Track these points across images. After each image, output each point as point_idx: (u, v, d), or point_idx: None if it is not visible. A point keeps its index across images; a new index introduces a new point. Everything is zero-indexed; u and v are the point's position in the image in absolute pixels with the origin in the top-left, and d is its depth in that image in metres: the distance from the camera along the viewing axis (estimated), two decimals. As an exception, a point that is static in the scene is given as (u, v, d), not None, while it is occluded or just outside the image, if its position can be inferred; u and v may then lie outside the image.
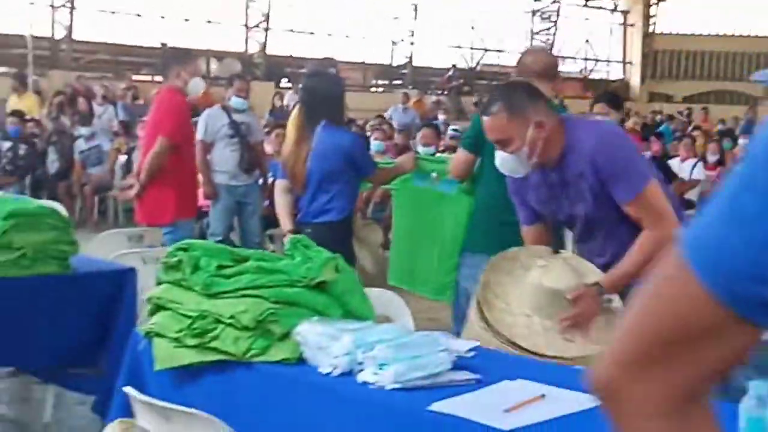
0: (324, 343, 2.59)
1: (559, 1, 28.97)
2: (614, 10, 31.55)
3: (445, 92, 24.42)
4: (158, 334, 2.85)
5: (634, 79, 31.01)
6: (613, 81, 29.19)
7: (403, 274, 5.02)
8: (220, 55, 22.75)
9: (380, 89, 25.58)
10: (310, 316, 2.73)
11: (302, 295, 2.76)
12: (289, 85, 21.74)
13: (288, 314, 2.70)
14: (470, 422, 2.20)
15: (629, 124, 13.03)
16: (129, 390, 2.32)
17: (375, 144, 9.66)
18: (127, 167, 11.73)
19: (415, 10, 25.91)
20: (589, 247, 3.29)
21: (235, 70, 22.33)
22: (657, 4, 31.39)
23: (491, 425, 2.17)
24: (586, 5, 30.75)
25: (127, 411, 2.89)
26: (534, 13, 29.13)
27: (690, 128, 16.26)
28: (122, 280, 3.96)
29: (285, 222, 4.67)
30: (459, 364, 2.58)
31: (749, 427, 1.83)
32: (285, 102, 16.87)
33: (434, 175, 5.13)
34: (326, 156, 4.54)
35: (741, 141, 13.87)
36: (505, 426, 2.16)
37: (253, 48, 23.46)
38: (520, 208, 3.35)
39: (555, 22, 29.25)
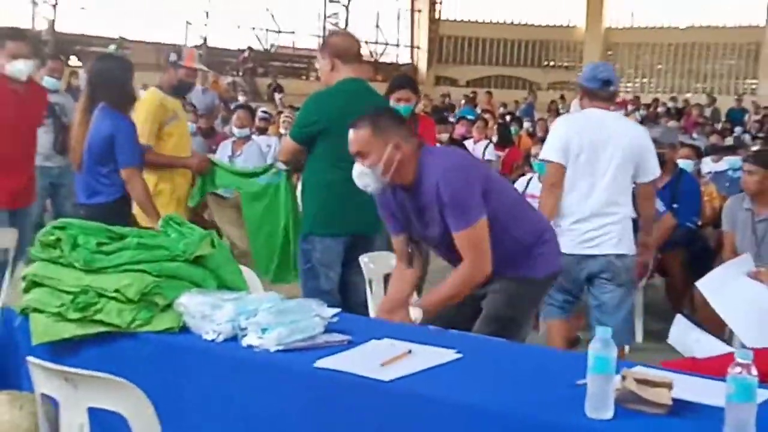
0: (207, 312, 2.80)
1: (350, -15, 29.54)
2: (402, -5, 32.49)
3: (240, 73, 24.40)
4: (36, 310, 2.95)
5: (422, 63, 32.12)
6: (402, 65, 30.09)
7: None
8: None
9: (173, 69, 25.17)
10: (189, 288, 2.92)
11: (182, 269, 2.94)
12: (79, 64, 21.01)
13: (170, 287, 2.89)
14: (355, 375, 2.47)
15: (420, 107, 13.59)
16: (31, 359, 2.43)
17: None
18: None
19: (209, -10, 25.72)
20: (454, 264, 3.55)
21: (20, 47, 21.45)
22: (441, -9, 32.60)
23: (374, 377, 2.46)
24: (375, -10, 31.50)
25: (1, 385, 2.99)
26: (326, -4, 29.58)
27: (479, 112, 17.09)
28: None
29: None
30: (329, 328, 2.86)
31: (596, 365, 2.20)
32: (81, 82, 16.35)
33: (236, 193, 5.52)
34: (93, 139, 4.76)
35: (525, 124, 14.80)
36: (385, 377, 2.45)
37: (41, 25, 22.53)
38: (387, 219, 3.62)
39: (346, 6, 29.81)
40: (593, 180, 4.47)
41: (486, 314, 3.49)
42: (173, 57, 5.38)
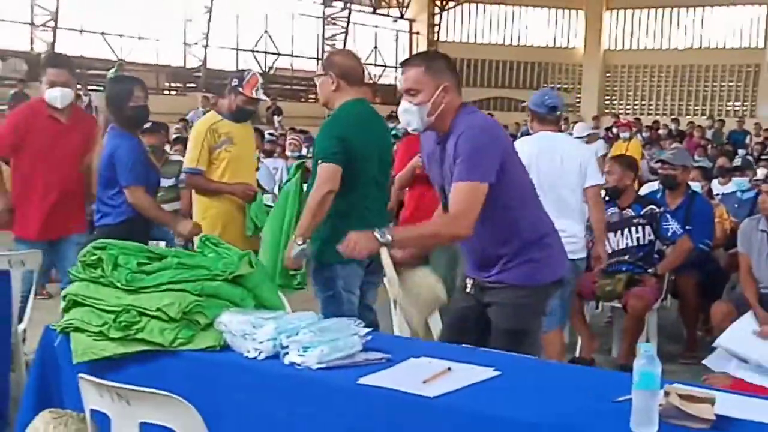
0: (248, 330, 2.84)
1: (349, 8, 29.70)
2: (401, 17, 32.66)
3: (239, 95, 24.42)
4: (77, 329, 2.99)
5: (420, 85, 32.15)
6: (401, 87, 30.16)
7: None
8: (5, 55, 21.82)
9: (173, 92, 25.32)
10: (229, 307, 2.97)
11: (222, 288, 2.99)
12: (79, 86, 21.07)
13: (210, 306, 2.94)
14: (399, 392, 2.52)
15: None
16: (83, 376, 2.47)
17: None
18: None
19: (209, 12, 25.84)
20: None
21: (21, 70, 21.55)
22: (440, 13, 32.77)
23: (418, 393, 2.50)
24: (374, 12, 31.69)
25: (41, 403, 3.03)
26: (325, 18, 29.74)
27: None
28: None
29: None
30: (367, 346, 2.90)
31: (641, 380, 2.25)
32: (94, 103, 16.44)
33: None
34: (101, 162, 4.87)
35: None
36: (430, 393, 2.50)
37: (40, 47, 22.61)
38: (440, 195, 3.63)
39: (345, 28, 29.99)
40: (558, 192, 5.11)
41: (496, 328, 3.51)
42: (234, 82, 5.34)
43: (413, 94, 3.39)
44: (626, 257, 6.16)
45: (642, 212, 6.18)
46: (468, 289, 3.62)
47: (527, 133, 5.98)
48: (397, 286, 3.65)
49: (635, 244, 6.15)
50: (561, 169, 5.21)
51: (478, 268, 3.57)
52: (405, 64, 3.46)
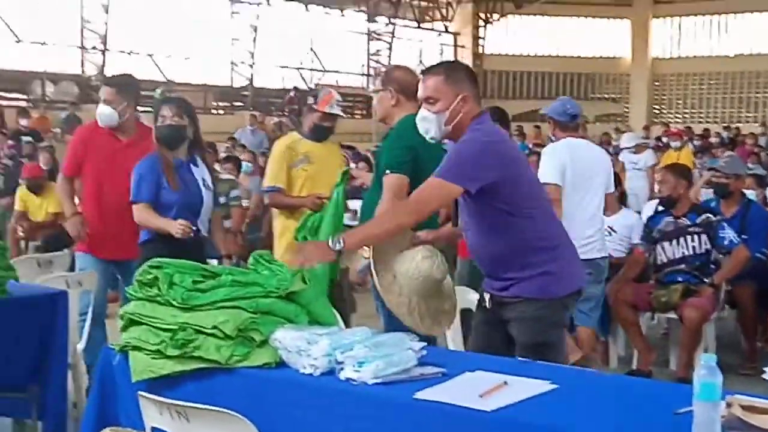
0: (303, 347, 2.85)
1: (393, 23, 29.79)
2: (445, 31, 32.68)
3: (286, 113, 24.65)
4: (135, 347, 3.02)
5: (466, 99, 32.12)
6: (447, 101, 30.13)
7: None
8: (56, 78, 22.21)
9: (221, 111, 25.57)
10: (283, 324, 2.98)
11: (276, 305, 3.01)
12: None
13: (265, 322, 2.95)
14: (456, 406, 2.51)
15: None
16: (143, 394, 2.50)
17: (245, 165, 9.91)
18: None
19: (255, 32, 26.09)
20: (472, 251, 3.68)
21: (72, 93, 21.92)
22: (485, 26, 32.73)
23: (475, 407, 2.49)
24: (419, 27, 31.75)
25: (101, 422, 3.06)
26: (369, 34, 29.86)
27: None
28: (56, 303, 4.06)
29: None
30: (422, 361, 2.89)
31: (702, 391, 2.22)
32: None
33: None
34: None
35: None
36: (487, 407, 2.49)
37: (90, 70, 23.00)
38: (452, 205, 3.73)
39: (390, 43, 30.06)
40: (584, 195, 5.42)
41: (519, 343, 3.51)
42: (310, 101, 5.40)
43: (432, 102, 3.44)
44: (682, 267, 6.09)
45: (698, 221, 6.11)
46: (486, 304, 3.63)
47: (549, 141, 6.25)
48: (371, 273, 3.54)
49: (691, 253, 6.08)
50: (589, 172, 5.50)
51: (492, 280, 3.58)
52: (425, 72, 3.52)
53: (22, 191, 9.73)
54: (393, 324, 4.20)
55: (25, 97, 21.52)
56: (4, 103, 19.92)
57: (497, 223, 3.42)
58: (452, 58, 32.70)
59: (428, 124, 3.47)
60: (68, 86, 22.24)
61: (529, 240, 3.44)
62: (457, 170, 3.31)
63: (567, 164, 5.36)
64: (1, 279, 3.90)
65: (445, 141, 3.63)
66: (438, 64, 3.64)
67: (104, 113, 5.14)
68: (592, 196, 5.50)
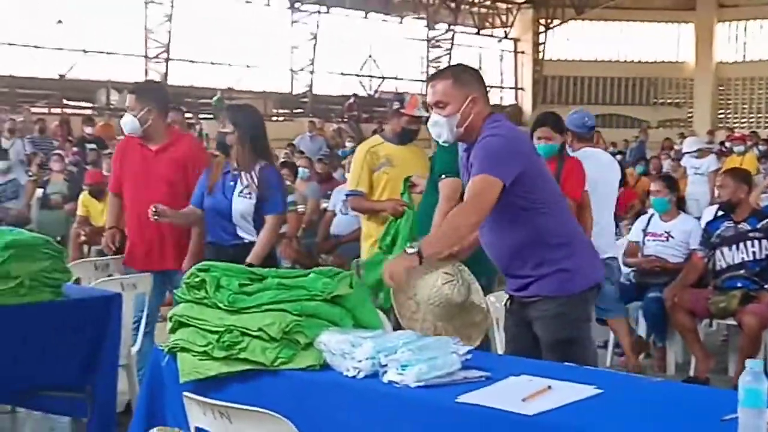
0: (347, 350, 2.86)
1: (453, 30, 29.77)
2: (505, 37, 32.55)
3: (345, 119, 24.79)
4: (183, 349, 3.07)
5: (526, 104, 32.03)
6: (506, 106, 30.09)
7: None
8: (120, 86, 22.61)
9: (281, 118, 25.80)
10: (328, 327, 3.00)
11: (321, 308, 3.03)
12: (189, 115, 21.68)
13: (310, 325, 2.97)
14: (498, 410, 2.50)
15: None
16: (187, 394, 2.53)
17: (301, 171, 10.00)
18: (43, 201, 11.70)
19: (315, 39, 26.28)
20: (488, 251, 3.67)
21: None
22: (545, 32, 32.52)
23: (517, 411, 2.47)
24: (478, 33, 31.69)
25: (149, 421, 3.11)
26: (429, 41, 29.88)
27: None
28: (109, 305, 4.13)
29: None
30: (466, 364, 2.88)
31: (746, 397, 2.18)
32: (205, 131, 16.89)
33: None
34: None
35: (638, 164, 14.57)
36: (529, 412, 2.47)
37: (154, 78, 23.39)
38: (464, 178, 3.67)
39: (449, 50, 30.05)
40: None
41: (544, 342, 3.54)
42: (396, 105, 5.39)
43: (442, 106, 3.48)
44: (741, 272, 5.98)
45: (758, 226, 6.00)
46: (509, 306, 3.69)
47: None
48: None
49: (751, 258, 5.97)
50: (604, 179, 5.86)
51: (510, 279, 3.62)
52: (433, 78, 3.58)
53: (84, 197, 9.93)
54: None
55: (90, 105, 21.98)
56: (71, 111, 20.37)
57: (515, 217, 3.46)
58: (513, 65, 32.65)
59: (440, 128, 3.50)
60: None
61: (544, 236, 3.47)
62: (495, 164, 3.35)
63: (599, 175, 5.69)
64: (58, 281, 3.98)
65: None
66: (445, 68, 3.72)
67: (125, 121, 5.11)
68: (602, 201, 5.72)
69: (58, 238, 9.62)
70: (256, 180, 4.70)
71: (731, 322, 5.96)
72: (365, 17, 27.83)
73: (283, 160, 12.13)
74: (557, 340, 3.51)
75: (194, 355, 3.03)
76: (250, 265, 4.59)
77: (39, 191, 11.88)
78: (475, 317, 3.66)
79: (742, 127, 28.59)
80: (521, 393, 2.62)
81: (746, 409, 2.17)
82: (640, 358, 6.42)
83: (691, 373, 5.98)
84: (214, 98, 20.85)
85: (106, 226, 5.35)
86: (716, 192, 6.35)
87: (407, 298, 3.56)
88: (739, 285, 5.93)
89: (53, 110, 20.66)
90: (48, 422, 4.87)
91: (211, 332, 3.01)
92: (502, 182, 3.32)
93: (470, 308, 3.66)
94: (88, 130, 15.56)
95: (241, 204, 4.69)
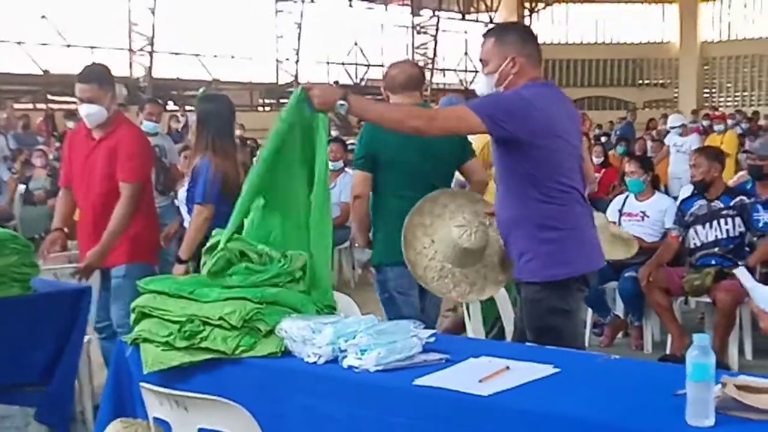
0: (308, 336, 2.88)
1: (438, 15, 29.70)
2: (490, 22, 32.47)
3: (332, 108, 24.66)
4: (146, 340, 3.08)
5: (513, 89, 31.90)
6: (493, 91, 29.97)
7: None
8: (105, 81, 22.52)
9: (268, 108, 25.75)
10: (289, 314, 3.01)
11: (281, 295, 3.04)
12: (176, 108, 21.62)
13: (270, 312, 2.98)
14: (454, 392, 2.51)
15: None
16: (144, 385, 2.54)
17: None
18: (26, 197, 11.68)
19: (299, 28, 26.21)
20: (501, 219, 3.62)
21: (122, 94, 22.22)
22: (530, 15, 32.47)
23: (473, 392, 2.49)
24: (463, 18, 31.62)
25: (116, 412, 3.13)
26: (414, 27, 29.81)
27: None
28: (79, 298, 4.14)
29: None
30: (426, 347, 2.90)
31: (694, 371, 2.19)
32: (190, 123, 16.81)
33: None
34: None
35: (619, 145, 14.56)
36: (485, 392, 2.49)
37: (138, 72, 23.32)
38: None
39: (434, 36, 30.00)
40: None
41: (526, 328, 3.52)
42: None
43: (485, 64, 3.49)
44: (715, 250, 6.01)
45: (731, 203, 6.03)
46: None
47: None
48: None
49: (724, 236, 6.00)
50: None
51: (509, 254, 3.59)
52: (483, 35, 3.56)
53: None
54: (389, 314, 4.32)
55: (75, 100, 21.86)
56: (55, 106, 20.30)
57: (517, 186, 3.41)
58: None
59: (481, 85, 3.53)
60: (117, 89, 22.51)
61: (538, 218, 3.39)
62: (483, 104, 3.33)
63: None
64: (26, 275, 3.99)
65: None
66: (494, 26, 3.69)
67: (90, 112, 4.69)
68: None
69: (42, 234, 9.61)
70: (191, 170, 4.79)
71: (706, 299, 6.00)
72: (350, 5, 27.75)
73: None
74: (535, 327, 3.46)
75: (157, 346, 3.04)
76: (179, 259, 4.65)
77: (21, 187, 11.85)
78: (500, 276, 3.69)
79: (728, 106, 28.63)
80: (479, 374, 2.63)
81: (694, 383, 2.19)
82: (618, 337, 6.47)
83: (668, 351, 6.01)
84: (200, 91, 20.78)
85: (53, 227, 4.88)
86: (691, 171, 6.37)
87: (425, 235, 3.63)
88: (713, 263, 5.96)
89: (38, 106, 20.61)
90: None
91: (173, 322, 3.02)
92: (480, 121, 3.23)
93: (488, 262, 3.68)
94: (71, 124, 15.50)
95: (181, 193, 4.80)
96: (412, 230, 3.67)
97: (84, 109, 4.74)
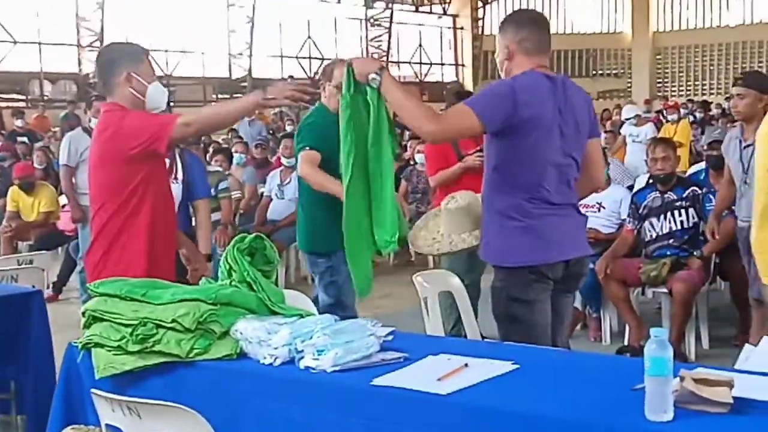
0: (263, 337, 2.83)
1: (391, 8, 29.65)
2: (444, 14, 32.52)
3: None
4: (97, 344, 3.00)
5: (468, 81, 32.04)
6: (448, 83, 30.07)
7: None
8: (54, 77, 22.22)
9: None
10: (244, 315, 2.96)
11: (236, 296, 2.99)
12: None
13: (225, 314, 2.93)
14: (412, 391, 2.48)
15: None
16: (95, 391, 2.48)
17: (237, 157, 9.89)
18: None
19: (252, 22, 26.02)
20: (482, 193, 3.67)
21: (71, 91, 21.91)
22: (483, 7, 32.54)
23: (431, 391, 2.46)
24: (417, 10, 31.61)
25: (66, 420, 3.05)
26: (367, 20, 29.74)
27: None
28: (28, 301, 4.05)
29: None
30: (384, 346, 2.86)
31: (652, 365, 2.18)
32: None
33: None
34: None
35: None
36: (443, 391, 2.46)
37: (88, 68, 22.94)
38: None
39: (388, 28, 29.94)
40: None
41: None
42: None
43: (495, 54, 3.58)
44: (670, 241, 6.04)
45: (684, 195, 6.06)
46: None
47: None
48: None
49: (679, 227, 6.03)
50: None
51: None
52: None
53: (13, 191, 9.70)
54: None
55: (23, 97, 21.54)
56: (3, 104, 19.96)
57: (491, 173, 3.45)
58: (453, 42, 32.63)
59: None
60: (66, 85, 22.25)
61: (501, 207, 3.41)
62: (478, 101, 3.35)
63: None
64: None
65: None
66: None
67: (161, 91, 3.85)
68: None
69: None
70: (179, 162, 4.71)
71: (663, 290, 6.03)
72: (302, -2, 27.62)
73: (221, 147, 11.95)
74: (496, 313, 3.49)
75: (109, 350, 2.97)
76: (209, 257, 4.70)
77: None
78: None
79: (680, 95, 28.94)
80: (437, 372, 2.61)
81: (652, 378, 2.18)
82: (577, 329, 6.48)
83: (626, 341, 6.04)
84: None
85: None
86: (649, 163, 6.36)
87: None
88: (668, 254, 5.99)
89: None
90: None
91: (125, 326, 2.95)
92: (477, 119, 3.22)
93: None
94: (19, 123, 15.28)
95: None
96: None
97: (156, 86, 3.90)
